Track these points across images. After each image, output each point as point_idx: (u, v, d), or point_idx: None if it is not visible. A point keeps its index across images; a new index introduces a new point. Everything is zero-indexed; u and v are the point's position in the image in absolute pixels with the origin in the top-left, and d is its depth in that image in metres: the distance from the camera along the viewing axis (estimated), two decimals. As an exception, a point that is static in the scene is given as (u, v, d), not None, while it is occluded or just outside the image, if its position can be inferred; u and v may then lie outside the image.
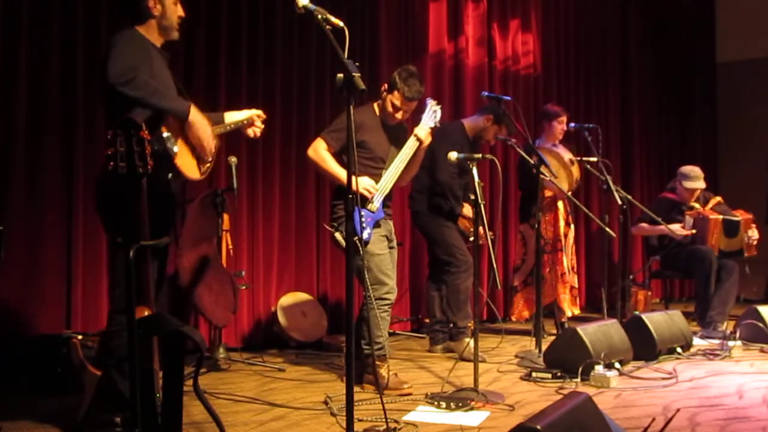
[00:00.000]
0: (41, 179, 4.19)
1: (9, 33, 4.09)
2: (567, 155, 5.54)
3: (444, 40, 6.55)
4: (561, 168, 5.41)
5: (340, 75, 2.58)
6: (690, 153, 8.97)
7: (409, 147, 3.99)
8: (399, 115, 4.04)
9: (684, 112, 9.39)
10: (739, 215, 6.11)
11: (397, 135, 4.10)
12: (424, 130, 4.00)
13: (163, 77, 3.00)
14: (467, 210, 5.02)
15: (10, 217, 4.04)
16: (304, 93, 5.49)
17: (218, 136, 3.16)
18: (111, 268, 3.23)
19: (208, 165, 3.10)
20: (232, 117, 3.35)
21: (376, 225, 3.93)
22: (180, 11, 3.12)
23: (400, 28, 6.21)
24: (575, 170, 5.42)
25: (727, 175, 9.35)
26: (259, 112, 3.41)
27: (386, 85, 4.04)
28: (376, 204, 3.90)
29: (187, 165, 2.97)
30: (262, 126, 3.42)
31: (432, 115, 4.03)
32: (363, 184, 3.85)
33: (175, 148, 2.88)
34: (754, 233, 6.12)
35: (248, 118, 3.36)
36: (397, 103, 3.99)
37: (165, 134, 2.85)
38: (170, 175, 2.90)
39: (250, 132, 3.40)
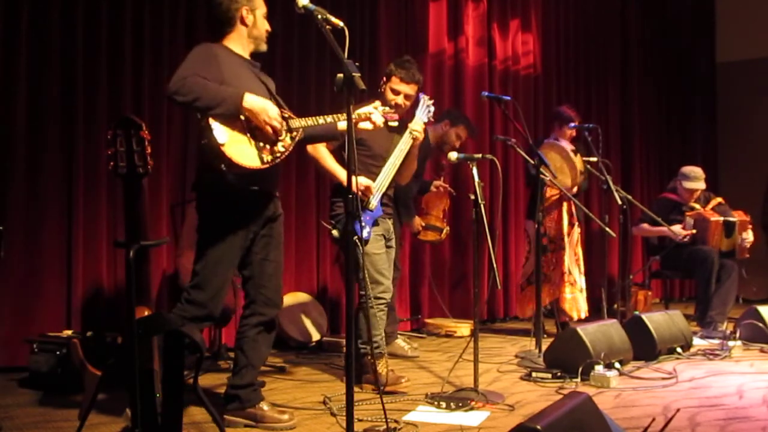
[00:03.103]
0: (41, 179, 4.19)
1: (9, 33, 4.09)
2: (569, 146, 5.54)
3: (444, 40, 6.55)
4: (565, 162, 5.39)
5: (340, 75, 2.58)
6: (690, 153, 8.97)
7: (404, 143, 3.97)
8: (400, 100, 4.01)
9: (684, 112, 9.39)
10: (737, 216, 6.10)
11: (398, 132, 4.09)
12: (418, 125, 3.97)
13: (240, 80, 3.01)
14: (417, 223, 5.41)
15: (10, 217, 4.04)
16: (304, 93, 5.49)
17: (298, 130, 3.09)
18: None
19: (278, 154, 3.00)
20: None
21: (374, 223, 3.92)
22: (267, 25, 3.22)
23: (400, 28, 6.21)
24: (578, 161, 5.41)
25: (727, 175, 9.35)
26: (377, 103, 3.42)
27: (384, 78, 4.06)
28: (373, 202, 3.89)
29: (242, 154, 2.88)
30: (382, 119, 3.40)
31: (425, 110, 4.04)
32: (359, 184, 3.83)
33: (222, 138, 2.83)
34: (748, 235, 6.10)
35: (362, 113, 3.35)
36: (396, 87, 3.99)
37: (212, 123, 2.83)
38: (222, 165, 2.84)
39: (366, 125, 3.38)
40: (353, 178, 2.60)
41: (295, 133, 3.10)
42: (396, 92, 4.01)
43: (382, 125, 3.47)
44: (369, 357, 3.82)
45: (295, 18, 5.23)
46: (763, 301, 6.95)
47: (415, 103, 4.08)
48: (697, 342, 5.25)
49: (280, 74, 5.35)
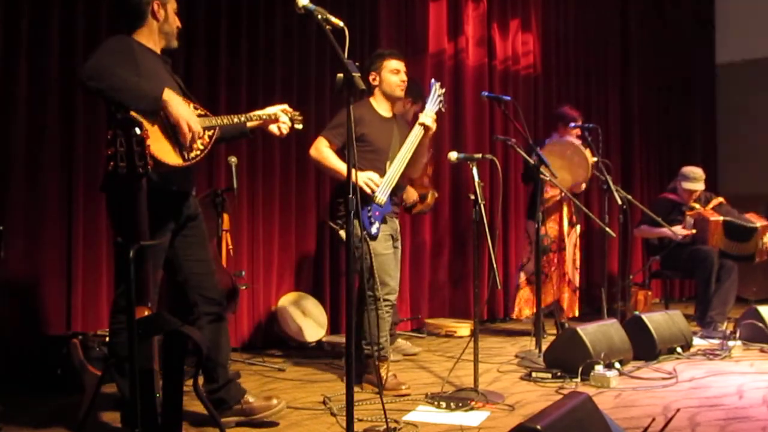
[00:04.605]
0: (41, 179, 4.19)
1: (9, 33, 4.09)
2: (576, 140, 5.53)
3: (444, 40, 6.55)
4: (571, 158, 5.38)
5: (340, 75, 2.58)
6: (690, 153, 8.96)
7: (415, 135, 3.96)
8: (403, 76, 4.05)
9: (684, 112, 9.38)
10: (756, 220, 6.09)
11: (397, 126, 4.10)
12: (429, 116, 3.96)
13: (156, 77, 2.97)
14: (413, 193, 5.18)
15: (10, 217, 4.04)
16: (303, 92, 5.49)
17: (214, 128, 3.04)
18: (117, 268, 3.13)
19: (198, 152, 2.95)
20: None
21: (383, 221, 3.91)
22: (178, 22, 3.15)
23: (400, 28, 6.20)
24: (588, 154, 5.40)
25: (726, 176, 9.35)
26: (284, 106, 3.33)
27: (373, 72, 4.07)
28: (383, 197, 3.87)
29: (164, 151, 2.83)
30: (289, 122, 3.31)
31: (436, 99, 4.02)
32: (365, 177, 3.82)
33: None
34: None
35: (270, 114, 3.28)
36: (394, 66, 4.04)
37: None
38: None
39: (274, 128, 3.30)
40: (353, 177, 2.59)
41: (212, 131, 3.05)
42: (396, 71, 4.05)
43: (286, 131, 3.33)
44: (372, 357, 3.81)
45: (295, 18, 5.24)
46: (763, 301, 6.94)
47: (426, 94, 4.08)
48: (697, 342, 5.25)
49: (280, 74, 5.36)
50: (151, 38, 3.07)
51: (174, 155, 2.87)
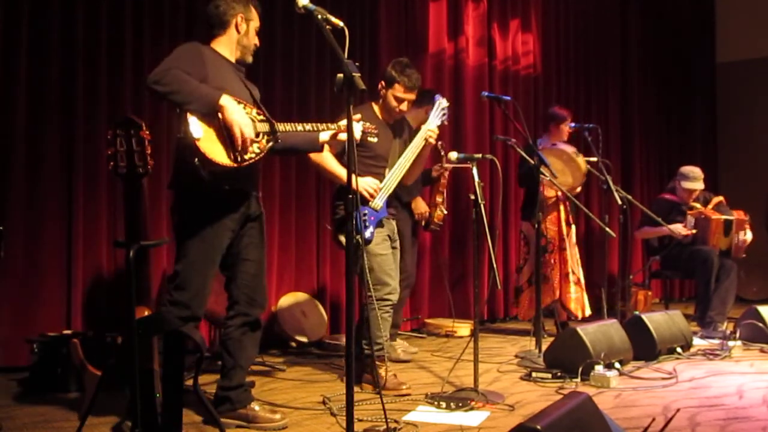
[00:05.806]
0: (41, 179, 4.19)
1: (9, 33, 4.09)
2: (570, 148, 5.53)
3: (444, 40, 6.55)
4: (567, 164, 5.38)
5: (340, 75, 2.58)
6: (690, 153, 8.97)
7: (416, 145, 3.97)
8: (403, 107, 4.04)
9: (684, 112, 9.39)
10: (736, 215, 6.09)
11: (399, 131, 4.11)
12: (432, 128, 3.98)
13: (223, 81, 3.03)
14: (420, 204, 5.12)
15: (10, 217, 4.04)
16: (304, 93, 5.49)
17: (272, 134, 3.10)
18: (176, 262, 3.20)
19: (252, 155, 3.00)
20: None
21: (379, 224, 3.92)
22: (257, 40, 3.27)
23: (400, 28, 6.21)
24: (581, 161, 5.39)
25: (726, 176, 9.36)
26: (357, 116, 3.41)
27: (383, 82, 4.04)
28: (379, 203, 3.89)
29: (216, 150, 2.90)
30: (360, 132, 3.48)
31: (440, 113, 4.03)
32: (364, 183, 3.84)
33: (198, 133, 2.84)
34: (745, 235, 6.08)
35: (341, 125, 3.40)
36: (400, 95, 4.00)
37: (189, 118, 2.85)
38: (196, 160, 2.85)
39: (345, 136, 3.40)
40: (353, 178, 2.59)
41: (271, 137, 3.10)
42: (399, 100, 4.02)
43: (358, 139, 3.46)
44: (371, 357, 3.81)
45: (295, 18, 5.24)
46: (763, 301, 6.95)
47: (430, 104, 4.09)
48: (697, 342, 5.25)
49: (280, 75, 5.36)
50: (228, 47, 3.19)
51: (225, 156, 2.94)
